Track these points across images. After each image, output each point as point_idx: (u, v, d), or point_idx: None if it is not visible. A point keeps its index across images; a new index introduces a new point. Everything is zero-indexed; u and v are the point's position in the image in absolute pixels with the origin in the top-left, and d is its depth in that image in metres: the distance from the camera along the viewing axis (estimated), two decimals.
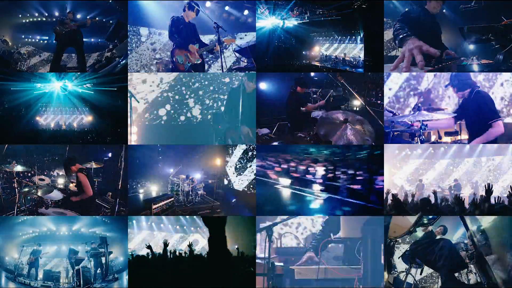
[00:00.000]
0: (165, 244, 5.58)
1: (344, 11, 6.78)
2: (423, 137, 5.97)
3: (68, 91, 6.98)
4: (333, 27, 7.48)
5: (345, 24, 7.16)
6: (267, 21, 7.06)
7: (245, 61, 7.13)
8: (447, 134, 6.40)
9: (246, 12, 7.70)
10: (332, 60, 7.57)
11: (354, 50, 7.12)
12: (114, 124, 6.76)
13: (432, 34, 6.39)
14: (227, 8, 7.80)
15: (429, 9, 6.44)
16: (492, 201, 5.60)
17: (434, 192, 6.10)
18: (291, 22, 7.41)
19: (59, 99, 7.03)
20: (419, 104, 6.62)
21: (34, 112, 7.08)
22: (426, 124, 5.93)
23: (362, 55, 6.73)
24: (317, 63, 7.72)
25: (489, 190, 5.59)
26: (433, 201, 5.79)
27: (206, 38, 7.57)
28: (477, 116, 5.92)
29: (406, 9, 6.51)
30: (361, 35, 6.80)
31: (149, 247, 5.65)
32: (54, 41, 7.19)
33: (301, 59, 7.72)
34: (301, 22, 7.42)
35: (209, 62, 7.95)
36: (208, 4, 7.51)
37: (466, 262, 5.63)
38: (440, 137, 6.48)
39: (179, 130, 8.99)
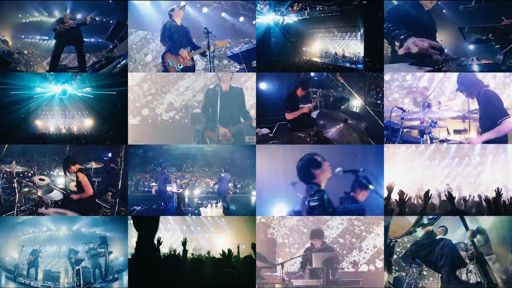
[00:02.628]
0: (158, 242, 5.50)
1: (345, 7, 6.80)
2: (432, 134, 5.99)
3: (68, 95, 6.97)
4: (333, 23, 7.48)
5: (345, 20, 7.16)
6: (267, 17, 7.06)
7: (237, 66, 7.19)
8: (456, 131, 6.41)
9: (241, 19, 7.93)
10: (332, 56, 7.58)
11: (354, 46, 7.12)
12: (113, 126, 6.76)
13: (426, 30, 6.49)
14: (223, 14, 7.97)
15: (424, 5, 6.55)
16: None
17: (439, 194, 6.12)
18: (291, 18, 7.41)
19: (58, 103, 7.01)
20: (429, 101, 6.62)
21: (34, 116, 7.05)
22: (436, 121, 5.95)
23: (362, 52, 6.74)
24: (317, 59, 7.72)
25: (498, 193, 5.64)
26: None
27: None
28: (485, 115, 5.91)
29: (395, 5, 6.57)
30: (361, 31, 6.80)
31: None
32: (53, 40, 7.18)
33: (301, 55, 7.72)
34: (301, 18, 7.43)
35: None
36: (204, 10, 7.67)
37: (467, 262, 5.63)
38: (449, 135, 6.50)
39: (158, 129, 8.98)
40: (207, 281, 4.96)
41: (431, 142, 6.16)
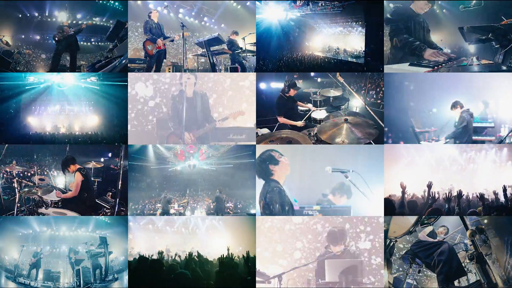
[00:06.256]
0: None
1: (346, 3, 6.88)
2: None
3: (67, 87, 6.85)
4: (335, 18, 7.54)
5: (347, 16, 7.25)
6: (270, 13, 7.12)
7: (201, 50, 8.49)
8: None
9: (205, 18, 10.50)
10: (333, 51, 7.63)
11: (355, 42, 7.14)
12: (115, 124, 6.76)
13: (420, 33, 6.68)
14: (193, 13, 10.24)
15: (415, 9, 6.67)
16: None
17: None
18: (294, 14, 7.48)
19: (56, 95, 6.90)
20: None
21: (27, 113, 6.95)
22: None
23: (363, 47, 6.75)
24: (319, 54, 7.77)
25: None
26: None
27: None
28: None
29: (393, 10, 6.65)
30: (362, 27, 6.84)
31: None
32: (53, 40, 7.20)
33: (303, 50, 7.77)
34: (303, 13, 7.48)
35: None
36: (181, 10, 9.83)
37: (464, 265, 5.62)
38: None
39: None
40: (160, 282, 5.10)
41: None
